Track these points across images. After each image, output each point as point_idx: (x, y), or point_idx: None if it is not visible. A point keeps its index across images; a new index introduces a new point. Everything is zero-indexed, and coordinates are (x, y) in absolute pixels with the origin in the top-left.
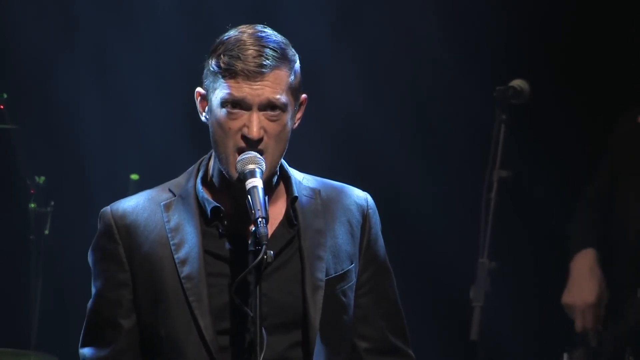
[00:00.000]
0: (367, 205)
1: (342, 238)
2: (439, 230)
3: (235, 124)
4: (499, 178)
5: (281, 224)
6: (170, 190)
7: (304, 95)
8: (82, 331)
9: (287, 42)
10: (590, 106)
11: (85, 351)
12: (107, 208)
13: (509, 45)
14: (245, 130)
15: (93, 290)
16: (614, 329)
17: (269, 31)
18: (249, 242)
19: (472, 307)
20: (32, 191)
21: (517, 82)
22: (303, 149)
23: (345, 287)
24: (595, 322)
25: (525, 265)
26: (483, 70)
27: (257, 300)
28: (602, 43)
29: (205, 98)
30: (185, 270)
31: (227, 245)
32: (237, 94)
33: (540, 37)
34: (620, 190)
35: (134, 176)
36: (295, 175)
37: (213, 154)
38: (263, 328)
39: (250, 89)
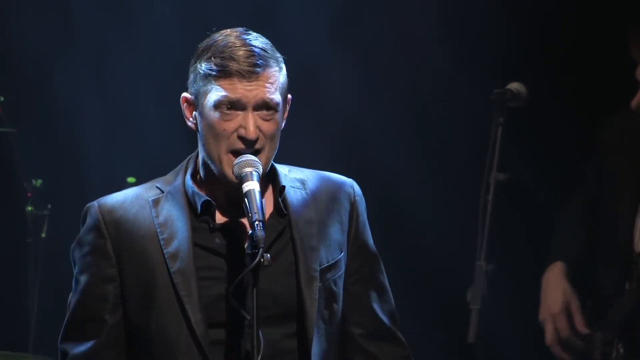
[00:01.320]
0: (354, 193)
1: (331, 227)
2: (437, 233)
3: (230, 125)
4: (496, 181)
5: (271, 215)
6: (157, 188)
7: (289, 96)
8: (64, 326)
9: (271, 44)
10: (588, 108)
11: (67, 346)
12: (94, 203)
13: (507, 48)
14: (241, 131)
15: (75, 284)
16: (603, 323)
17: (254, 34)
18: (246, 244)
19: (469, 310)
20: (29, 194)
21: (514, 85)
22: (302, 151)
23: (336, 276)
24: (568, 329)
25: (522, 268)
26: (480, 73)
27: (254, 303)
28: (600, 45)
29: (192, 103)
30: (175, 265)
31: (218, 240)
32: (233, 94)
33: (538, 39)
34: (615, 190)
35: (131, 179)
36: (280, 168)
37: (200, 152)
38: (260, 331)
39: (245, 90)
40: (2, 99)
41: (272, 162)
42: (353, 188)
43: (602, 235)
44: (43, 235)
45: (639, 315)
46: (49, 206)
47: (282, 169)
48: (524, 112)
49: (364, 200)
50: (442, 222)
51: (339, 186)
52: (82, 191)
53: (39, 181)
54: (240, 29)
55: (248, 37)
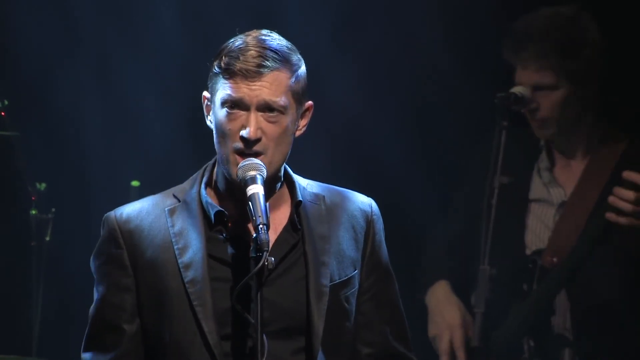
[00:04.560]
0: (372, 211)
1: (346, 244)
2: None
3: (234, 125)
4: (499, 184)
5: (285, 229)
6: (174, 196)
7: (309, 102)
8: (85, 336)
9: (294, 47)
10: None
11: (87, 356)
12: (111, 213)
13: None
14: (243, 131)
15: (96, 295)
16: (506, 328)
17: (275, 35)
18: (251, 248)
19: (473, 314)
20: (33, 198)
21: (517, 89)
22: (304, 155)
23: (349, 293)
24: (462, 343)
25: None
26: (484, 76)
27: (259, 307)
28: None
29: (210, 100)
30: (189, 275)
31: (231, 250)
32: (235, 94)
33: None
34: (503, 194)
35: (135, 183)
36: (300, 181)
37: (217, 159)
38: (264, 335)
39: (248, 89)
40: (5, 102)
41: (292, 173)
42: (371, 207)
43: (492, 241)
44: (47, 238)
45: (545, 311)
46: (53, 210)
47: (302, 182)
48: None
49: (381, 220)
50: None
51: (357, 204)
52: (85, 195)
53: (43, 185)
54: (265, 30)
55: (266, 38)
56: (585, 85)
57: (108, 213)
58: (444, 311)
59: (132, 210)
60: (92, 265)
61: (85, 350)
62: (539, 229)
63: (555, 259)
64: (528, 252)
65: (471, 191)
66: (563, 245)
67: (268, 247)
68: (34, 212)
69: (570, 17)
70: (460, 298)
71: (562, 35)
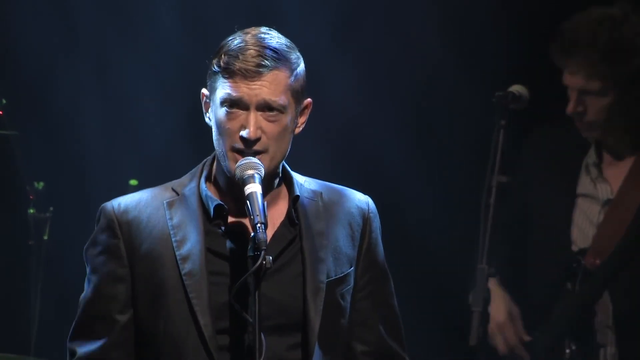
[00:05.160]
0: (369, 209)
1: (342, 241)
2: (439, 236)
3: (233, 124)
4: (498, 183)
5: (282, 224)
6: (173, 190)
7: (308, 100)
8: (74, 324)
9: (293, 45)
10: None
11: (75, 345)
12: (108, 203)
13: (508, 50)
14: (242, 130)
15: (87, 284)
16: (546, 328)
17: (274, 33)
18: (249, 246)
19: (471, 313)
20: (31, 197)
21: (515, 87)
22: (304, 154)
23: (344, 290)
24: (515, 337)
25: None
26: (482, 75)
27: (256, 306)
28: None
29: (208, 98)
30: (186, 267)
31: (229, 244)
32: (235, 93)
33: (540, 41)
34: (547, 191)
35: (133, 182)
36: (297, 178)
37: (216, 154)
38: (262, 333)
39: (247, 89)
40: (4, 101)
41: (290, 170)
42: (368, 205)
43: (536, 238)
44: (45, 237)
45: (587, 313)
46: (51, 209)
47: (299, 179)
48: (525, 114)
49: (378, 218)
50: (445, 225)
51: (354, 202)
52: (83, 194)
53: (41, 184)
54: (264, 28)
55: (265, 36)
56: (634, 89)
57: (105, 204)
58: (491, 307)
59: (130, 201)
60: (87, 254)
61: (73, 339)
62: (584, 225)
63: (597, 261)
64: (574, 248)
65: (523, 178)
66: (606, 247)
67: (266, 247)
68: (32, 211)
69: (619, 20)
70: (516, 288)
71: (611, 42)
